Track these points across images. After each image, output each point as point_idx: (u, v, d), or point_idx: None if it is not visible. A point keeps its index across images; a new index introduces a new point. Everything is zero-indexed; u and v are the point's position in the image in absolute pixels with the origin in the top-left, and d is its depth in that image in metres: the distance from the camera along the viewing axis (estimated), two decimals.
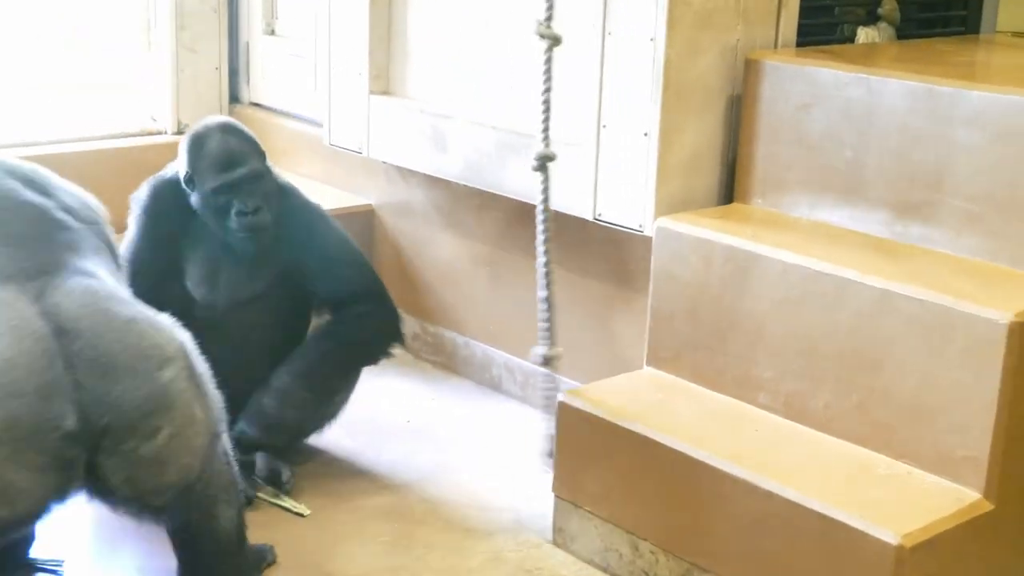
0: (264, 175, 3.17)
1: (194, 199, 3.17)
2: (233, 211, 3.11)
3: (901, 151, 2.84)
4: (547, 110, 2.85)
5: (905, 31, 3.74)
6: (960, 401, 2.49)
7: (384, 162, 4.02)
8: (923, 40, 3.73)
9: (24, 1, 4.44)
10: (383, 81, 3.89)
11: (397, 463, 3.27)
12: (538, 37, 2.73)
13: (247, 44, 4.77)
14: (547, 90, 2.83)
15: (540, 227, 2.94)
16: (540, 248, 2.94)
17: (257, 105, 4.77)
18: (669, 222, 3.01)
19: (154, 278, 3.16)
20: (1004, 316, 2.42)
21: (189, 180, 3.16)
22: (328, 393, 3.23)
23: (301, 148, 4.49)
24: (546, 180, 2.92)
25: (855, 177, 2.93)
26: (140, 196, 3.25)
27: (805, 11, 3.31)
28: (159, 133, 4.64)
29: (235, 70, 4.81)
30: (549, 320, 2.94)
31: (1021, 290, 2.56)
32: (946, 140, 2.77)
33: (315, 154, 4.37)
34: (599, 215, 3.22)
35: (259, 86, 4.75)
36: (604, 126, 3.15)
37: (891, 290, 2.59)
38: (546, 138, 2.90)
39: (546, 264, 2.92)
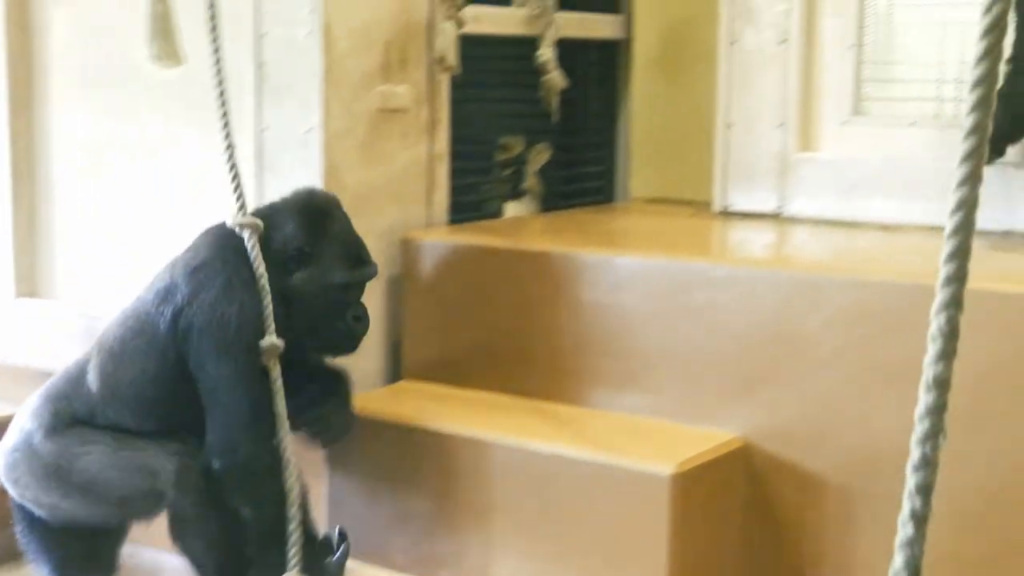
0: None
1: (299, 279, 2.66)
2: (350, 314, 2.69)
3: (553, 316, 2.97)
4: None
5: (550, 203, 3.92)
6: (634, 553, 2.57)
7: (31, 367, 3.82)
8: (566, 211, 3.92)
9: None
10: (29, 283, 3.73)
11: None
12: (237, 227, 2.53)
13: None
14: None
15: None
16: None
17: None
18: None
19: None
20: (666, 469, 2.54)
21: (302, 257, 2.66)
22: None
23: None
24: None
25: (514, 346, 3.02)
26: (210, 256, 2.63)
27: (456, 190, 3.44)
28: None
29: None
30: None
31: (681, 443, 2.69)
32: (598, 304, 2.91)
33: None
34: None
35: None
36: None
37: (562, 455, 2.67)
38: None
39: None
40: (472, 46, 3.44)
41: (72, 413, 2.69)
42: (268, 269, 2.58)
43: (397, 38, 3.23)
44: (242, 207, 2.56)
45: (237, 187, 2.54)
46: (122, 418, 2.67)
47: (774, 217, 3.55)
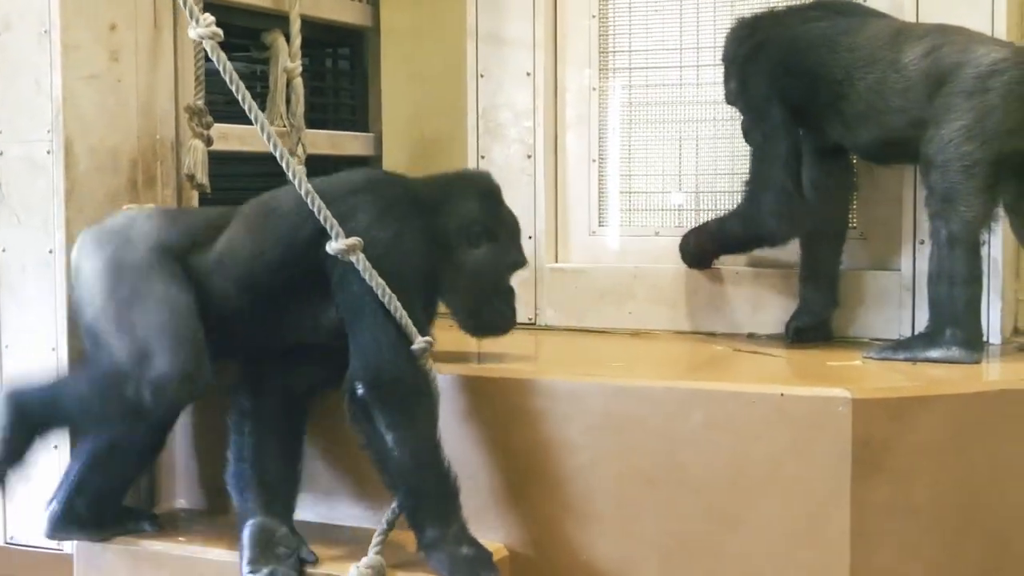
0: None
1: (479, 254, 2.77)
2: (512, 297, 2.87)
3: (312, 436, 2.93)
4: None
5: None
6: None
7: None
8: None
9: None
10: None
11: None
12: None
13: None
14: None
15: None
16: None
17: None
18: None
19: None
20: None
21: (482, 235, 2.76)
22: None
23: None
24: None
25: None
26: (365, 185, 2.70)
27: None
28: None
29: None
30: None
31: None
32: None
33: None
34: (11, 539, 3.04)
35: None
36: None
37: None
38: None
39: None
40: (222, 163, 3.41)
41: None
42: (446, 241, 2.72)
43: (144, 156, 3.17)
44: None
45: None
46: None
47: (529, 326, 3.62)
